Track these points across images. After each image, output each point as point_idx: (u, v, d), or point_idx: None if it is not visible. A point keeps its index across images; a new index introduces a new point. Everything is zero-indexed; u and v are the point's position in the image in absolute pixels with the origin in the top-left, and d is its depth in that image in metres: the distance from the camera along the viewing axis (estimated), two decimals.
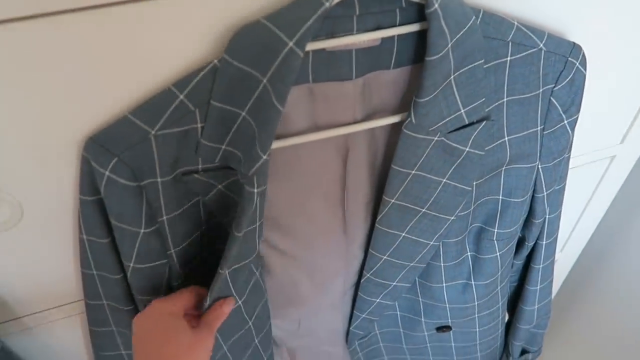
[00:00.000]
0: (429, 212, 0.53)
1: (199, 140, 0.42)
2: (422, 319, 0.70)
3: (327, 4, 0.36)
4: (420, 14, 0.43)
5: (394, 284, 0.61)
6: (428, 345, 0.74)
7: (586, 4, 0.51)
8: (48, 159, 0.42)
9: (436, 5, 0.39)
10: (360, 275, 0.63)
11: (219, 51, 0.40)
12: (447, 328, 0.71)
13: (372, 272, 0.60)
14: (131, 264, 0.45)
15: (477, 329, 0.71)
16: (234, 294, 0.51)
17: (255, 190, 0.42)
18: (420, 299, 0.68)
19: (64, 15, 0.35)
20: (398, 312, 0.71)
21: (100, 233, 0.44)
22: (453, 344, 0.74)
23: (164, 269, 0.47)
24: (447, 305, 0.66)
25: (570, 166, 0.69)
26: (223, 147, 0.43)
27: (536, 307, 0.72)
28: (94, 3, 0.35)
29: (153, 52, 0.38)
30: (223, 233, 0.51)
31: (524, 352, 0.81)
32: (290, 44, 0.36)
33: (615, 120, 0.68)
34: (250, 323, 0.58)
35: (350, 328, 0.69)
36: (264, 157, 0.41)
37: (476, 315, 0.68)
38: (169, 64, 0.39)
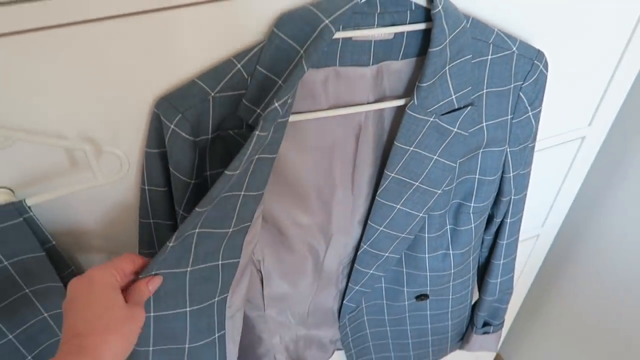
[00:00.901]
0: (421, 185, 0.64)
1: (241, 100, 0.49)
2: (405, 289, 0.80)
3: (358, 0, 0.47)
4: (425, 16, 0.54)
5: (387, 254, 0.71)
6: (407, 314, 0.84)
7: (551, 7, 0.64)
8: (138, 120, 0.50)
9: (440, 8, 0.51)
10: (357, 248, 0.72)
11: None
12: (424, 296, 0.81)
13: (369, 243, 0.69)
14: (180, 211, 0.52)
15: (451, 296, 0.81)
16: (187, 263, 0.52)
17: (257, 133, 0.45)
18: (404, 270, 0.77)
19: (161, 12, 0.44)
20: (383, 285, 0.80)
21: (159, 182, 0.51)
22: (428, 312, 0.84)
23: None
24: (428, 274, 0.77)
25: (546, 146, 0.81)
26: (258, 110, 0.50)
27: (499, 280, 0.84)
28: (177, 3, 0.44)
29: (222, 35, 0.47)
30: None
31: (486, 324, 0.92)
32: (327, 21, 0.46)
33: (583, 105, 0.81)
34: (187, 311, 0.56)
35: (344, 301, 0.78)
36: (276, 104, 0.45)
37: (451, 283, 0.79)
38: (233, 43, 0.48)
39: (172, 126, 0.47)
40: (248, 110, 0.51)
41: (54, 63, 0.43)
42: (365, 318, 0.85)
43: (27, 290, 0.51)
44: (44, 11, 0.39)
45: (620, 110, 0.87)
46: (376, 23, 0.52)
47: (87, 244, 0.57)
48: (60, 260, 0.52)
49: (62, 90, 0.45)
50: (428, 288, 0.79)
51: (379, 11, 0.52)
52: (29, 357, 0.54)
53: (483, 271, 0.85)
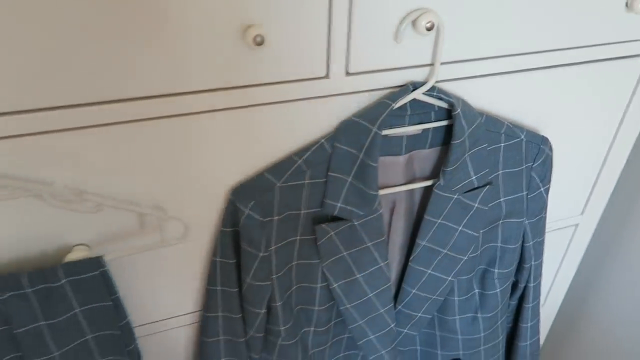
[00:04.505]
0: (449, 253, 0.73)
1: (323, 200, 0.62)
2: (439, 352, 0.86)
3: (393, 105, 0.59)
4: (447, 114, 0.66)
5: (419, 314, 0.79)
6: None
7: (554, 109, 0.76)
8: (208, 201, 0.61)
9: (459, 110, 0.63)
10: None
11: (324, 133, 0.62)
12: None
13: (403, 304, 0.77)
14: (248, 280, 0.62)
15: None
16: None
17: (382, 211, 0.64)
18: (437, 332, 0.84)
19: (249, 108, 0.57)
20: (418, 347, 0.87)
21: (230, 255, 0.62)
22: None
23: (268, 290, 0.64)
24: (460, 337, 0.83)
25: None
26: (339, 204, 0.63)
27: (529, 342, 0.89)
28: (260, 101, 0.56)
29: (285, 136, 0.60)
30: (307, 274, 0.69)
31: None
32: (374, 129, 0.58)
33: (575, 196, 0.91)
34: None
35: None
36: (377, 192, 0.62)
37: (482, 347, 0.85)
38: (293, 143, 0.61)
39: (247, 210, 0.58)
40: (331, 207, 0.63)
41: (148, 149, 0.54)
42: None
43: (88, 337, 0.56)
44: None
45: (610, 199, 0.95)
46: (407, 122, 0.64)
47: (142, 300, 0.66)
48: (121, 310, 0.59)
49: (146, 172, 0.56)
50: (461, 352, 0.85)
51: (409, 113, 0.64)
52: None
53: (511, 336, 0.91)
